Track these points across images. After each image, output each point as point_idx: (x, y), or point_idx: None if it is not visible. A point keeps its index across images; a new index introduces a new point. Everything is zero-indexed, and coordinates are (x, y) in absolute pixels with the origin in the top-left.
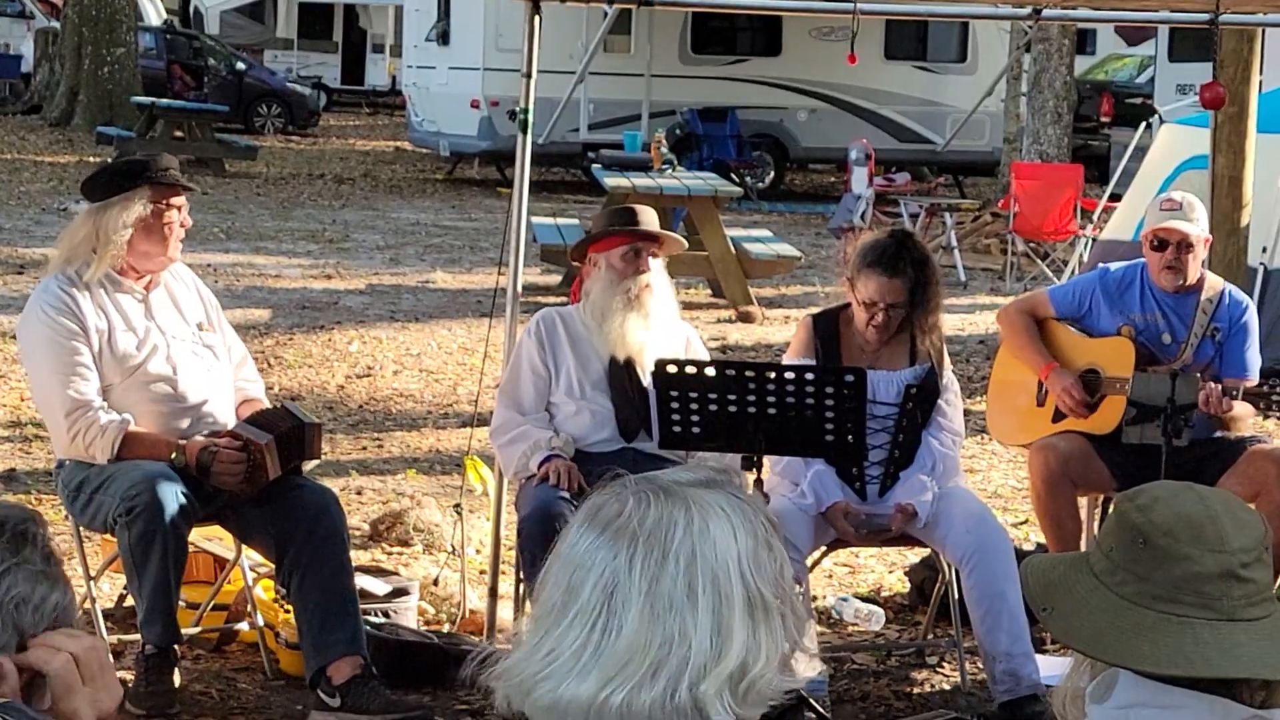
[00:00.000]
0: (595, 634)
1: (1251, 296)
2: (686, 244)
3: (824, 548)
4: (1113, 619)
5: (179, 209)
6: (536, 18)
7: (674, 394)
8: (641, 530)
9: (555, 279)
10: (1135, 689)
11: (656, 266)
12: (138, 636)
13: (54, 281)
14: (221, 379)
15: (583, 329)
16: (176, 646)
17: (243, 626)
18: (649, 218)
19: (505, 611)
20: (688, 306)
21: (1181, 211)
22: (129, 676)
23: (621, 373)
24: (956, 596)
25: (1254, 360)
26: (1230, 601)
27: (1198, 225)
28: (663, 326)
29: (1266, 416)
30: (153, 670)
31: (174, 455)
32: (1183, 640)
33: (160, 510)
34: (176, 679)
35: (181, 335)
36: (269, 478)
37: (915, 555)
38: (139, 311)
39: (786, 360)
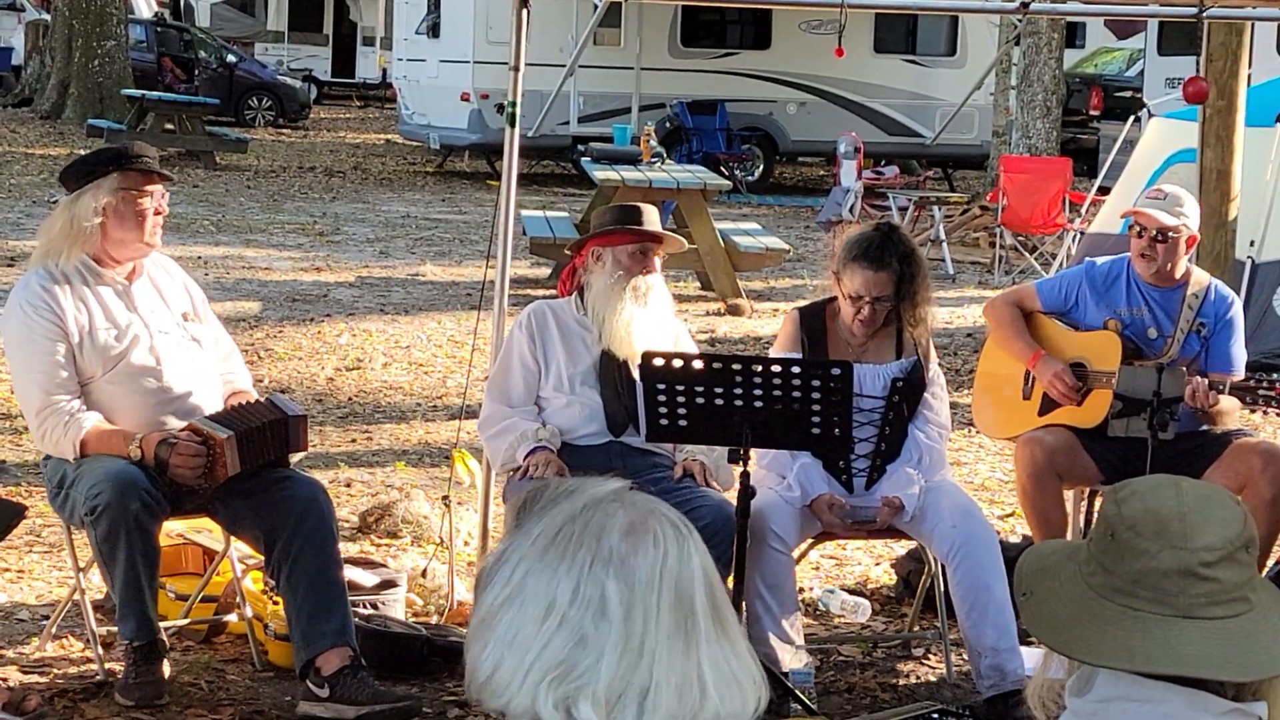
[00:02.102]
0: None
1: (1239, 290)
2: (686, 245)
3: (810, 540)
4: (1077, 608)
5: (151, 195)
6: (525, 11)
7: (661, 387)
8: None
9: (544, 272)
10: (1115, 683)
11: (657, 265)
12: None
13: (34, 277)
14: (207, 369)
15: (574, 323)
16: (164, 638)
17: (231, 618)
18: (654, 218)
19: None
20: (676, 299)
21: (1165, 202)
22: (119, 668)
23: (611, 367)
24: (942, 589)
25: (1239, 355)
26: (1187, 599)
27: (1179, 219)
28: (660, 326)
29: (1253, 411)
30: (140, 662)
31: (130, 448)
32: (1130, 634)
33: (123, 509)
34: (166, 670)
35: (165, 326)
36: (227, 473)
37: (901, 547)
38: (120, 303)
39: (773, 354)
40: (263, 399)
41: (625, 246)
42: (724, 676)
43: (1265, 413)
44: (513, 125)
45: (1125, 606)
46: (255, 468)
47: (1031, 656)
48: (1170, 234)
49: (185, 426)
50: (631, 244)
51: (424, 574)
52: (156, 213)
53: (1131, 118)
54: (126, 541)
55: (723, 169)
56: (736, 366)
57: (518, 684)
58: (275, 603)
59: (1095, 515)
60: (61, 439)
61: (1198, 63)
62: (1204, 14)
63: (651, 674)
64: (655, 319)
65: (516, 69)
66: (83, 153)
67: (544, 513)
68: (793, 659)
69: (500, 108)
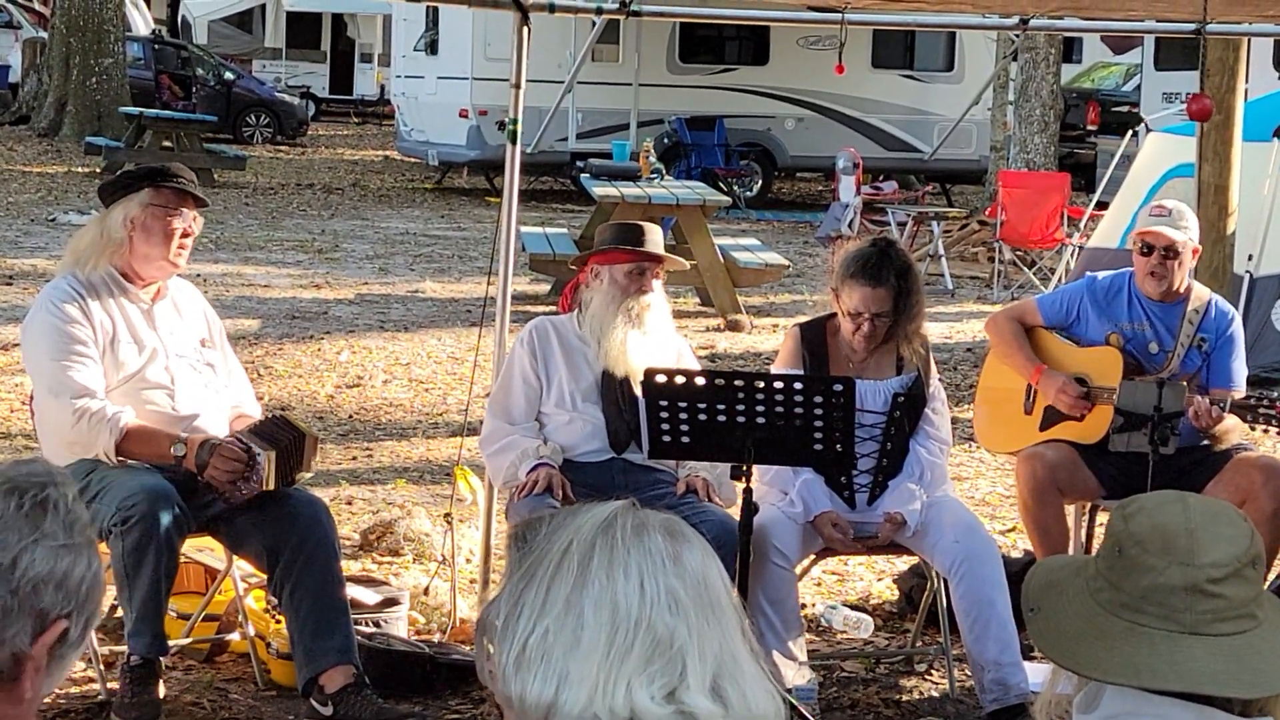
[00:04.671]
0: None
1: (1237, 304)
2: (688, 265)
3: (813, 556)
4: (1084, 624)
5: (181, 216)
6: (525, 28)
7: (663, 404)
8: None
9: (544, 288)
10: (1122, 698)
11: (657, 285)
12: (126, 648)
13: (63, 281)
14: (217, 395)
15: (575, 339)
16: (162, 658)
17: (234, 637)
18: (655, 238)
19: None
20: (676, 315)
21: (1170, 218)
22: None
23: (613, 384)
24: (945, 604)
25: (1240, 371)
26: (1194, 615)
27: (1185, 233)
28: (659, 344)
29: (1253, 429)
30: (137, 682)
31: (174, 446)
32: (1137, 650)
33: (155, 522)
34: (161, 690)
35: (182, 349)
36: (263, 488)
37: (904, 563)
38: (142, 320)
39: (775, 370)
40: (275, 416)
41: (622, 266)
42: (765, 671)
43: (1266, 430)
44: (514, 142)
45: (1132, 622)
46: (287, 484)
47: (1035, 671)
48: (1179, 248)
49: (231, 434)
50: (628, 263)
51: (426, 592)
52: (185, 235)
53: (1130, 132)
54: (154, 555)
55: (721, 185)
56: (739, 383)
57: (600, 692)
58: (278, 621)
59: (1096, 530)
60: (102, 425)
61: (1201, 79)
62: (1204, 29)
63: (729, 663)
64: (651, 339)
65: (518, 86)
66: (81, 171)
67: (552, 538)
68: (796, 675)
69: (501, 125)
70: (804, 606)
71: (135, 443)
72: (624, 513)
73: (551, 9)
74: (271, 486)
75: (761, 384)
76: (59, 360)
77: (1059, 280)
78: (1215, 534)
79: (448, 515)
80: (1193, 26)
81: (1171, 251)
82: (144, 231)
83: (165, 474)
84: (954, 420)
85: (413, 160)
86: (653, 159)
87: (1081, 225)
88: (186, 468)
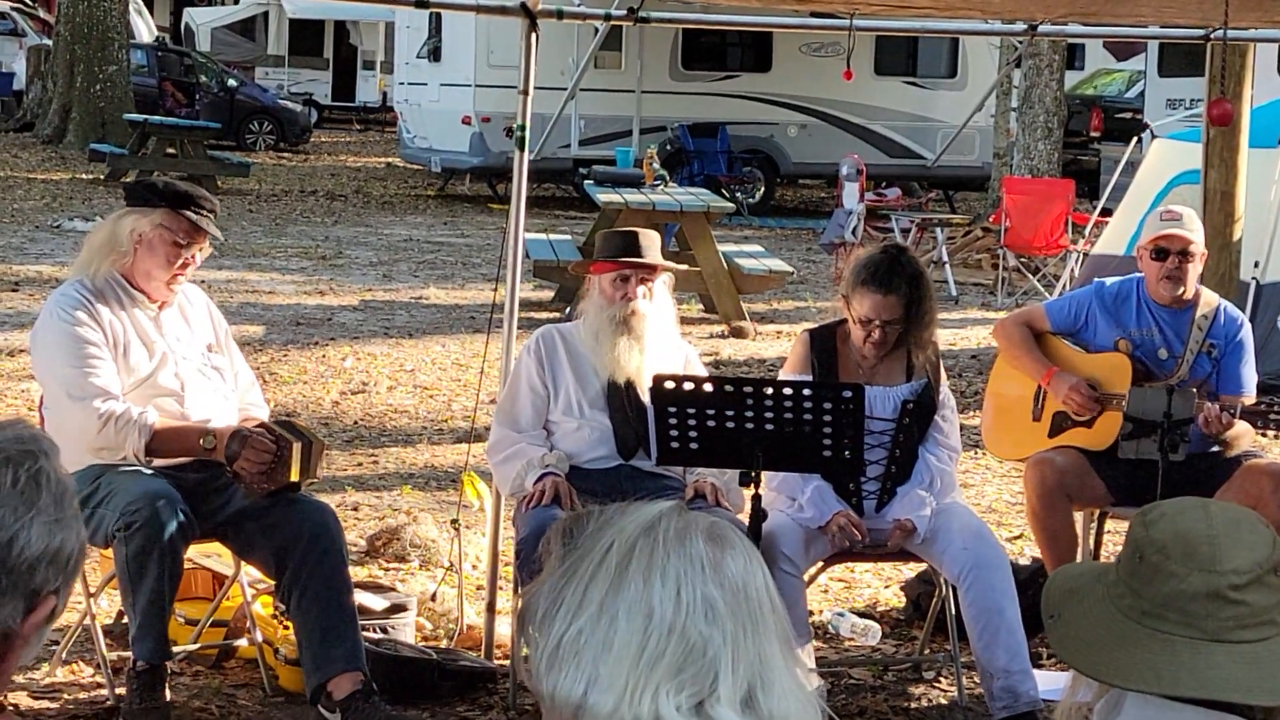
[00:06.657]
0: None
1: (1244, 311)
2: (683, 268)
3: (820, 563)
4: (1105, 631)
5: (186, 245)
6: (533, 35)
7: (672, 410)
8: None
9: (548, 294)
10: (1143, 706)
11: (656, 290)
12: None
13: (72, 287)
14: (227, 400)
15: (581, 347)
16: (168, 664)
17: (242, 643)
18: (648, 243)
19: (503, 627)
20: (680, 322)
21: (1181, 222)
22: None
23: (619, 391)
24: (953, 611)
25: (1250, 377)
26: (1216, 622)
27: (1196, 236)
28: (657, 349)
29: (1265, 434)
30: (144, 687)
31: (203, 439)
32: (1158, 657)
33: (159, 527)
34: (168, 695)
35: (190, 355)
36: (288, 478)
37: (911, 570)
38: (151, 326)
39: (783, 376)
40: (282, 420)
41: (608, 274)
42: (804, 681)
43: (1278, 436)
44: (522, 149)
45: (1153, 629)
46: (295, 490)
47: (1044, 679)
48: (1194, 250)
49: (258, 423)
50: (612, 271)
51: (433, 598)
52: (186, 264)
53: (1134, 139)
54: (157, 560)
55: (724, 191)
56: (748, 389)
57: (628, 697)
58: (286, 627)
59: (1105, 537)
60: (130, 425)
61: (1221, 85)
62: (1221, 34)
63: (764, 674)
64: (648, 345)
65: (526, 92)
66: (85, 178)
67: (597, 536)
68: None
69: (508, 131)
70: (812, 614)
71: (164, 440)
72: (669, 515)
73: (560, 15)
74: (296, 477)
75: (770, 390)
76: (76, 366)
77: (1063, 287)
78: (1237, 540)
79: (455, 521)
80: (1201, 32)
81: (1187, 254)
82: (148, 249)
83: (172, 480)
84: (960, 427)
85: (415, 167)
86: (656, 165)
87: (1086, 232)
88: (215, 459)
